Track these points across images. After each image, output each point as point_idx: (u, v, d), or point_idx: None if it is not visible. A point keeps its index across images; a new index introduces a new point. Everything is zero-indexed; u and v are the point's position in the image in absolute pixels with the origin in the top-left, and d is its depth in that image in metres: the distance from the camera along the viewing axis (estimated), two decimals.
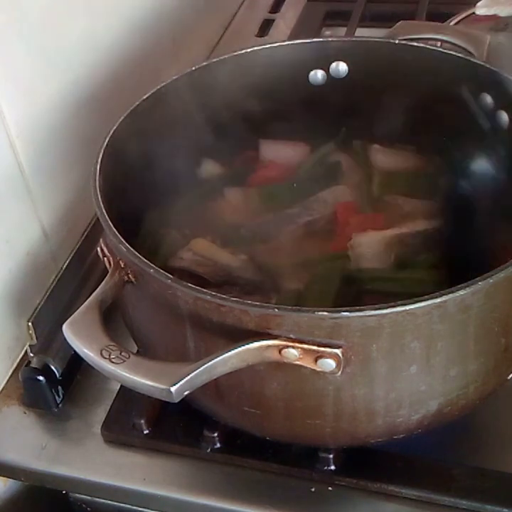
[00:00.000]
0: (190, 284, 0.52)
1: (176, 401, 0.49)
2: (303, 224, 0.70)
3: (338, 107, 0.76)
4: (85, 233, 0.78)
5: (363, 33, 1.05)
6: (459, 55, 0.71)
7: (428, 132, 0.74)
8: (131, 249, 0.54)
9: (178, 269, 0.64)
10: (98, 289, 0.55)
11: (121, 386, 0.70)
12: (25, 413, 0.71)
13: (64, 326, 0.52)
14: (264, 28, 1.16)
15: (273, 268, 0.65)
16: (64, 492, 0.70)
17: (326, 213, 0.70)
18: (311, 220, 0.70)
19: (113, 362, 0.49)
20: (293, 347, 0.50)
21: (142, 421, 0.67)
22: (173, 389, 0.48)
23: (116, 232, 0.55)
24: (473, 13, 0.95)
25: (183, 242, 0.67)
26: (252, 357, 0.51)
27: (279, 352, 0.51)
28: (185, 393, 0.49)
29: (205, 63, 0.72)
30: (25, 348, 0.72)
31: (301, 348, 0.50)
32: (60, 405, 0.71)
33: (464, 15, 0.95)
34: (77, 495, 0.70)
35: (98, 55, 0.82)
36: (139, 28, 0.90)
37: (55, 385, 0.70)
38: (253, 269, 0.64)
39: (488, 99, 0.69)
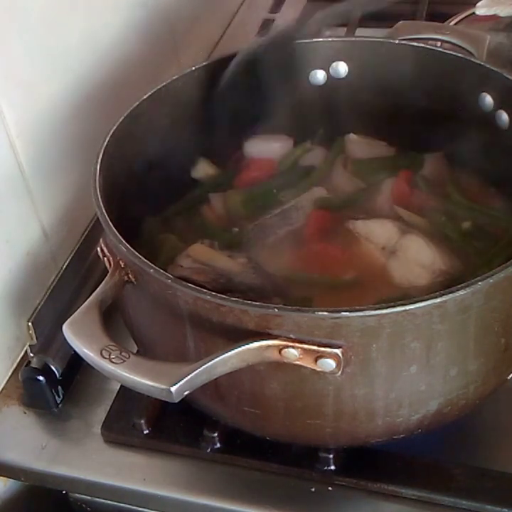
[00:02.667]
0: (190, 284, 0.52)
1: (176, 401, 0.49)
2: (283, 234, 0.70)
3: (338, 106, 0.76)
4: (85, 233, 0.78)
5: (363, 33, 1.05)
6: (459, 55, 0.71)
7: (428, 132, 0.74)
8: (131, 249, 0.54)
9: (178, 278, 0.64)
10: (98, 289, 0.55)
11: (121, 386, 0.70)
12: (25, 413, 0.71)
13: (64, 326, 0.52)
14: (264, 28, 1.16)
15: (273, 272, 0.65)
16: (64, 492, 0.70)
17: (305, 222, 0.70)
18: (291, 229, 0.70)
19: (113, 362, 0.49)
20: (293, 347, 0.50)
21: (142, 421, 0.67)
22: (173, 389, 0.48)
23: (116, 232, 0.55)
24: (473, 13, 0.95)
25: (181, 247, 0.67)
26: (252, 357, 0.51)
27: (279, 352, 0.51)
28: (185, 393, 0.49)
29: (205, 63, 0.72)
30: (25, 348, 0.72)
31: (301, 348, 0.50)
32: (60, 405, 0.71)
33: (463, 15, 0.95)
34: (77, 495, 0.70)
35: (98, 55, 0.82)
36: (139, 28, 0.90)
37: (55, 385, 0.70)
38: (253, 274, 0.64)
39: (488, 99, 0.69)
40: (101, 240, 0.59)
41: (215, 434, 0.65)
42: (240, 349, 0.50)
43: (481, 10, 0.94)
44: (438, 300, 0.50)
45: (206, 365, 0.49)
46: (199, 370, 0.49)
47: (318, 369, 0.51)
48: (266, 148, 0.77)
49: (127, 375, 0.49)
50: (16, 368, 0.74)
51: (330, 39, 0.76)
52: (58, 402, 0.71)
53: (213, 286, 0.60)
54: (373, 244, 0.67)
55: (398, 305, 0.50)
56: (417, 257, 0.65)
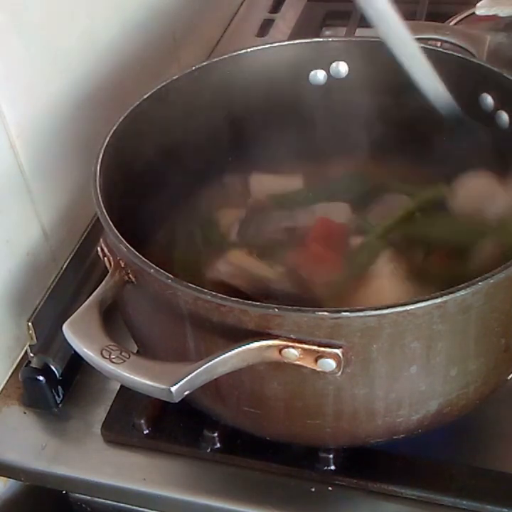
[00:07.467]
0: (190, 284, 0.52)
1: (176, 401, 0.49)
2: (281, 229, 0.70)
3: (338, 107, 0.76)
4: (85, 233, 0.78)
5: (363, 33, 1.04)
6: (459, 55, 0.71)
7: (429, 132, 0.74)
8: (132, 248, 0.54)
9: (215, 281, 0.64)
10: (98, 289, 0.55)
11: (121, 386, 0.70)
12: (25, 413, 0.71)
13: (64, 326, 0.52)
14: (264, 28, 1.16)
15: (311, 284, 0.65)
16: (64, 492, 0.70)
17: (304, 225, 0.70)
18: (289, 226, 0.70)
19: (113, 362, 0.49)
20: (293, 347, 0.50)
21: (142, 421, 0.67)
22: (173, 389, 0.48)
23: (117, 232, 0.55)
24: (473, 13, 0.95)
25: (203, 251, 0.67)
26: (252, 357, 0.51)
27: (279, 352, 0.51)
28: (186, 393, 0.49)
29: (205, 63, 0.72)
30: (25, 348, 0.72)
31: (302, 348, 0.50)
32: (60, 405, 0.71)
33: (464, 15, 0.95)
34: (77, 495, 0.70)
35: (98, 55, 0.82)
36: (139, 28, 0.90)
37: (55, 385, 0.70)
38: (290, 283, 0.64)
39: (488, 99, 0.69)
40: (101, 240, 0.59)
41: (215, 434, 0.65)
42: (240, 349, 0.50)
43: (481, 10, 0.94)
44: (438, 300, 0.50)
45: (206, 365, 0.49)
46: (199, 370, 0.49)
47: (319, 369, 0.51)
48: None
49: (127, 375, 0.49)
50: (16, 367, 0.74)
51: (330, 39, 0.76)
52: (58, 402, 0.71)
53: (251, 291, 0.61)
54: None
55: (398, 305, 0.50)
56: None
